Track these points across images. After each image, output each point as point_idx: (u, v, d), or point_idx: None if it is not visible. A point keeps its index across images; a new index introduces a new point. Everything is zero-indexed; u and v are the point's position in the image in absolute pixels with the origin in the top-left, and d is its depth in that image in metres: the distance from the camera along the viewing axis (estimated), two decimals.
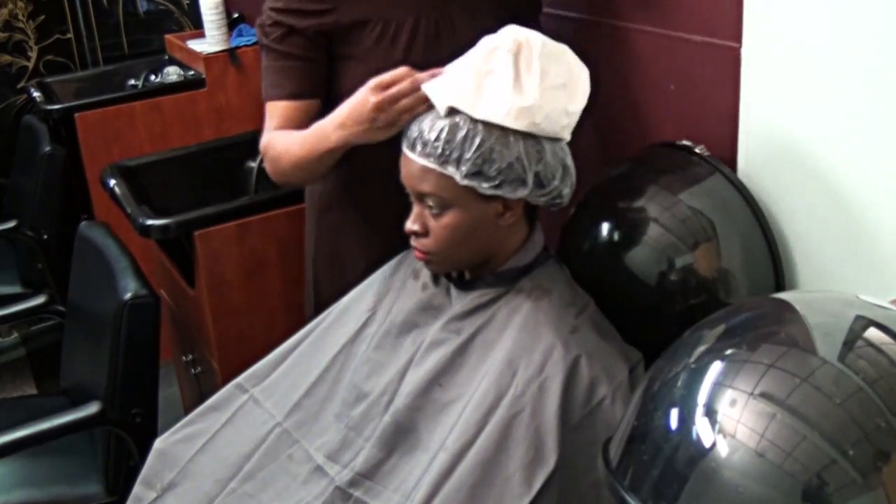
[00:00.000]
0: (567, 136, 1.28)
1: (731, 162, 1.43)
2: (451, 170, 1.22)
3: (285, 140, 1.46)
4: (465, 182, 1.22)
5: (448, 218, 1.26)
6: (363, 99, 1.31)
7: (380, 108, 1.28)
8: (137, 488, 1.40)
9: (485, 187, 1.22)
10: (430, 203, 1.26)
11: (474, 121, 1.22)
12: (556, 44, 1.28)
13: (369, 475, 1.26)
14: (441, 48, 1.45)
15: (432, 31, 1.46)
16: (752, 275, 1.38)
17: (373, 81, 1.30)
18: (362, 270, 1.51)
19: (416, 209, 1.29)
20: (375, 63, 1.44)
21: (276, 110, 1.49)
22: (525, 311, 1.28)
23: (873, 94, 1.19)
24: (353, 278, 1.52)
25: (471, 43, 1.43)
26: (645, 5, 1.59)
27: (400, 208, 1.34)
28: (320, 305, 1.56)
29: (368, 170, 1.52)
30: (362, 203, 1.60)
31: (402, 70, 1.29)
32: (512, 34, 1.25)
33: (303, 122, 1.48)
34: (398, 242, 1.44)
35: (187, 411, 1.49)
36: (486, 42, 1.25)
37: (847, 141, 1.25)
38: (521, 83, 1.22)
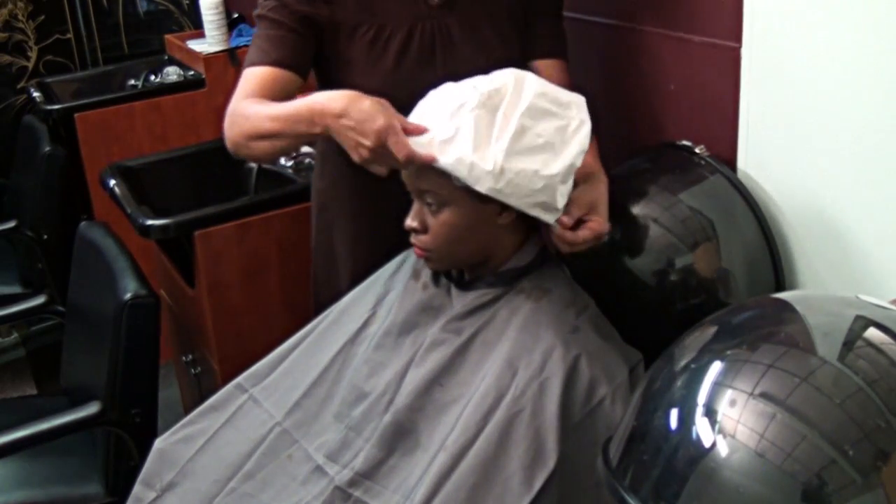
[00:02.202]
0: (548, 198, 1.23)
1: (731, 162, 1.43)
2: None
3: (257, 107, 1.36)
4: (463, 182, 1.22)
5: (446, 215, 1.26)
6: (374, 114, 1.22)
7: (377, 143, 1.22)
8: (137, 488, 1.40)
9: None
10: (429, 200, 1.26)
11: None
12: (565, 94, 1.26)
13: (369, 475, 1.26)
14: (435, 58, 1.44)
15: (427, 40, 1.44)
16: (752, 275, 1.38)
17: (394, 117, 1.22)
18: (354, 269, 1.51)
19: (415, 206, 1.29)
20: (366, 67, 1.43)
21: (253, 76, 1.40)
22: (525, 312, 1.28)
23: (873, 93, 1.19)
24: (345, 278, 1.52)
25: (467, 54, 1.43)
26: (644, 5, 1.58)
27: (394, 209, 1.34)
28: (319, 305, 1.56)
29: (364, 171, 1.52)
30: (357, 203, 1.60)
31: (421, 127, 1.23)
32: (505, 78, 1.23)
33: (278, 94, 1.39)
34: (393, 243, 1.44)
35: (187, 411, 1.49)
36: (471, 92, 1.22)
37: (847, 140, 1.25)
38: (487, 144, 1.20)
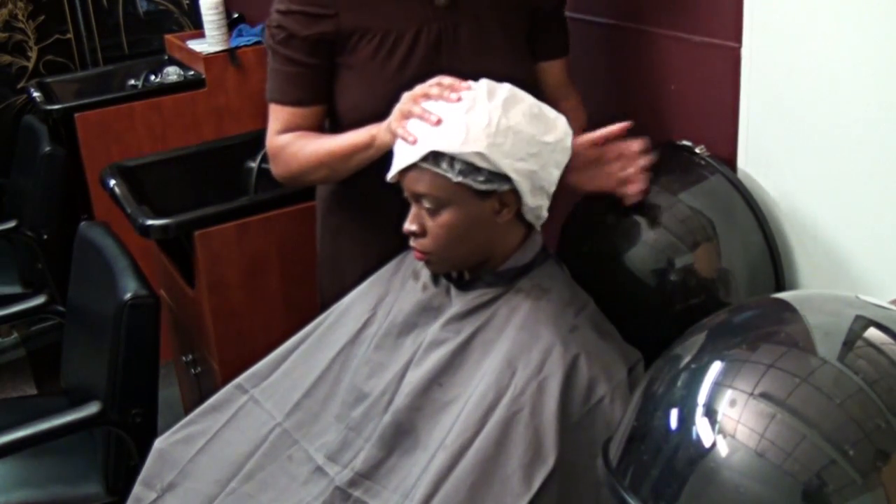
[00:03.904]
0: (539, 169, 1.25)
1: (731, 162, 1.43)
2: (444, 168, 1.22)
3: (309, 141, 1.46)
4: (459, 179, 1.22)
5: (445, 217, 1.26)
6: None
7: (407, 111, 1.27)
8: (137, 488, 1.40)
9: (479, 181, 1.22)
10: (427, 203, 1.26)
11: None
12: (533, 99, 1.28)
13: (369, 475, 1.26)
14: (440, 59, 1.43)
15: (433, 41, 1.44)
16: (752, 275, 1.38)
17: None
18: (360, 274, 1.51)
19: (413, 210, 1.29)
20: (370, 73, 1.43)
21: (280, 114, 1.49)
22: (524, 311, 1.28)
23: (874, 92, 1.20)
24: (351, 281, 1.52)
25: (473, 55, 1.43)
26: (645, 5, 1.59)
27: (398, 212, 1.34)
28: (324, 307, 1.56)
29: (367, 174, 1.52)
30: (361, 207, 1.60)
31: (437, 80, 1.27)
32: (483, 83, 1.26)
33: (308, 128, 1.48)
34: (396, 246, 1.44)
35: (187, 411, 1.49)
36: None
37: (847, 140, 1.25)
38: (480, 104, 1.22)
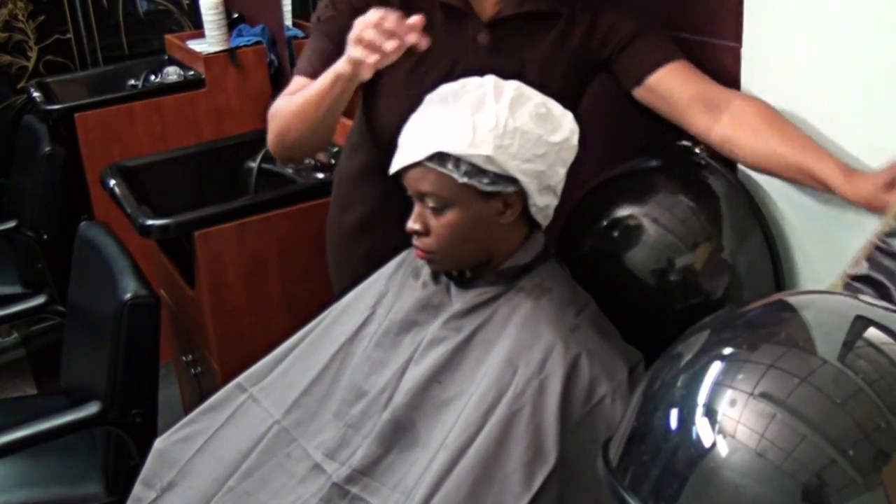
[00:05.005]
0: (547, 169, 1.24)
1: (731, 162, 1.43)
2: (450, 168, 1.22)
3: (292, 97, 1.44)
4: (464, 180, 1.22)
5: (448, 217, 1.26)
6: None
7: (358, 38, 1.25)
8: (137, 488, 1.40)
9: (485, 183, 1.22)
10: (431, 202, 1.26)
11: None
12: (541, 94, 1.27)
13: (367, 472, 1.26)
14: None
15: (469, 74, 1.34)
16: (752, 275, 1.38)
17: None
18: (365, 272, 1.51)
19: (416, 208, 1.29)
20: (399, 93, 1.38)
21: (296, 83, 1.47)
22: (525, 310, 1.28)
23: (873, 93, 1.20)
24: (356, 279, 1.52)
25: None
26: (644, 5, 1.58)
27: (402, 210, 1.34)
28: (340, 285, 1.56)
29: (374, 171, 1.52)
30: (368, 206, 1.60)
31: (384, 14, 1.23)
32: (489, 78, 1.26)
33: None
34: (399, 245, 1.44)
35: (187, 411, 1.49)
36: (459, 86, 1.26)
37: (846, 140, 1.25)
38: (487, 104, 1.22)
